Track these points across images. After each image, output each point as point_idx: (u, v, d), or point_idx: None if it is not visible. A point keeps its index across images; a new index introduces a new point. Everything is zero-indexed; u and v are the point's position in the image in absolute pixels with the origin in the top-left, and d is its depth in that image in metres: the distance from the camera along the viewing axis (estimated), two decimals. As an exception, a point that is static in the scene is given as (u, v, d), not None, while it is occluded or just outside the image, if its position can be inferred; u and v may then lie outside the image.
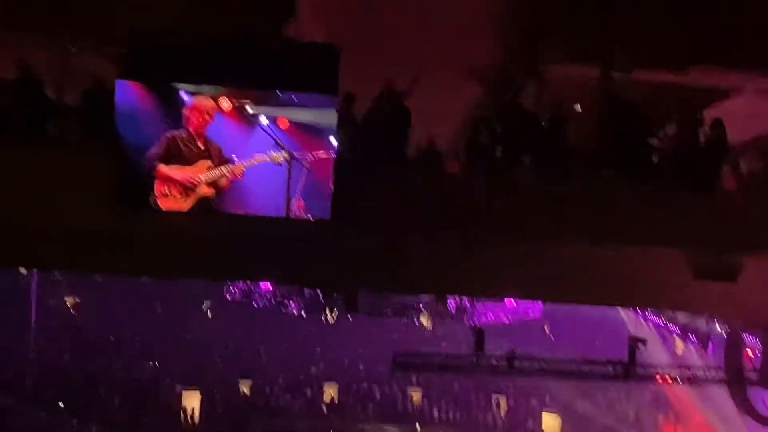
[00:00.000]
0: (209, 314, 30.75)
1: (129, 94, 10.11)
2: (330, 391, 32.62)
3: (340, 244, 8.92)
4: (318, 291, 21.55)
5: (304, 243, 9.09)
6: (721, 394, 23.74)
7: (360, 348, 34.66)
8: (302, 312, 22.74)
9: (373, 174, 8.73)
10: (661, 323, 26.78)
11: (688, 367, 20.46)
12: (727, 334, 20.84)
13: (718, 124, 10.52)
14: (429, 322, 23.31)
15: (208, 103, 10.61)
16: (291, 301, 22.68)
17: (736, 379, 19.65)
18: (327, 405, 32.16)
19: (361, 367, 34.01)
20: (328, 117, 10.19)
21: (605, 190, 8.30)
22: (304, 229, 9.28)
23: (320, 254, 9.40)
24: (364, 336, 33.92)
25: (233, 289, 24.70)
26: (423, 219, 8.51)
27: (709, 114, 10.81)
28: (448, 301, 22.39)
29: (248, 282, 22.56)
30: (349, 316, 23.08)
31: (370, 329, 33.18)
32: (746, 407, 20.48)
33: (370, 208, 8.29)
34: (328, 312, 22.02)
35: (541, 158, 9.20)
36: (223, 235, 9.23)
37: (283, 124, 10.69)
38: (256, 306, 24.49)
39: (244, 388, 31.98)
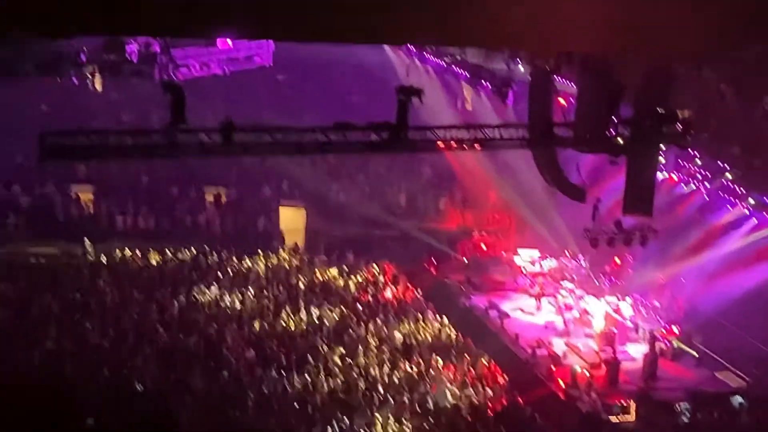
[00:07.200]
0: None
1: None
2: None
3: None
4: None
5: None
6: (524, 161, 21.99)
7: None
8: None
9: None
10: (444, 65, 25.28)
11: (481, 127, 17.67)
12: (531, 76, 18.75)
13: None
14: (98, 81, 19.21)
15: None
16: None
17: (543, 140, 17.55)
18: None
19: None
20: None
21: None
22: None
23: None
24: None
25: None
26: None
27: None
28: (127, 46, 18.71)
29: None
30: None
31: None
32: (555, 176, 18.76)
33: None
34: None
35: None
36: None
37: None
38: None
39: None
